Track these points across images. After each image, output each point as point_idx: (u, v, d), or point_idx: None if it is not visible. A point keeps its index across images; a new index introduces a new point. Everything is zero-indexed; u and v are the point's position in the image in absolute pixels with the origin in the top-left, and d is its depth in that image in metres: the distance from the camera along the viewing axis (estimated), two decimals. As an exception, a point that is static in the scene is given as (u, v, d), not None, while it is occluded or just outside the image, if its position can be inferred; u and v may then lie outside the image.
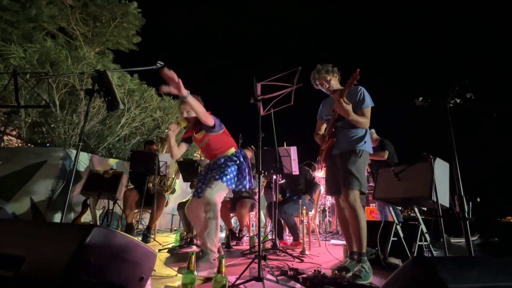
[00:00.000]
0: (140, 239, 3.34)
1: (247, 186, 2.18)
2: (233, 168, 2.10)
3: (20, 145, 4.57)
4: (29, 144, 4.46)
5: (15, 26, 5.30)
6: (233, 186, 2.08)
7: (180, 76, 1.74)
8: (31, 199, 3.66)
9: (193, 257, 1.23)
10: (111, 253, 0.96)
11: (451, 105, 1.48)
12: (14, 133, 4.58)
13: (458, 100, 1.50)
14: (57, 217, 3.66)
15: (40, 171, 3.79)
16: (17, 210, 3.63)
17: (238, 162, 2.15)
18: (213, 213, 1.91)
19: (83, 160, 4.10)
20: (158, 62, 2.16)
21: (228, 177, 2.03)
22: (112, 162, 4.49)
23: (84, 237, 0.87)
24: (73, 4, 6.11)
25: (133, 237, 1.08)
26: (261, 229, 3.74)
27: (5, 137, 4.39)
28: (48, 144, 4.48)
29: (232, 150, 2.21)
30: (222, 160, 2.17)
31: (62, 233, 0.91)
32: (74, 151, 4.05)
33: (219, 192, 1.98)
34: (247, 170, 2.19)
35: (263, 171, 3.16)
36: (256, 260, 1.56)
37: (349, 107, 1.86)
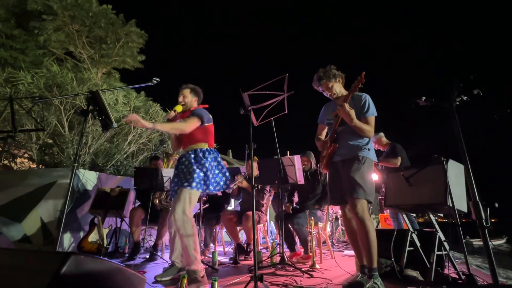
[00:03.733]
0: (148, 257, 3.29)
1: (212, 189, 2.12)
2: (201, 174, 2.06)
3: (31, 166, 4.70)
4: (40, 166, 4.57)
5: (25, 53, 5.57)
6: (202, 189, 2.05)
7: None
8: (41, 220, 3.71)
9: (185, 280, 1.16)
10: (91, 281, 0.90)
11: (457, 103, 1.37)
12: (26, 155, 4.72)
13: (465, 98, 1.39)
14: (66, 237, 3.69)
15: (50, 192, 3.85)
16: (28, 231, 3.68)
17: (212, 164, 2.13)
18: (186, 230, 1.90)
19: (91, 179, 4.14)
20: (154, 78, 2.18)
21: (197, 180, 2.02)
22: (120, 179, 4.52)
23: (60, 267, 0.82)
24: (79, 29, 6.39)
25: (117, 263, 1.02)
26: (270, 241, 3.62)
27: (18, 160, 4.52)
28: (58, 165, 4.58)
29: (203, 145, 2.19)
30: (192, 157, 2.12)
31: (37, 263, 0.86)
32: (83, 171, 4.11)
33: (188, 205, 1.96)
34: (215, 172, 2.16)
35: (256, 185, 3.09)
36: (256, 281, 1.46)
37: (352, 112, 1.79)
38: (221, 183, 2.18)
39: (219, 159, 2.24)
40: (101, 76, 6.38)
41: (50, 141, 4.60)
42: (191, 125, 2.09)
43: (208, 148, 2.21)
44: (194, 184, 1.98)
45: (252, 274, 2.31)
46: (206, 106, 2.38)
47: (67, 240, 3.69)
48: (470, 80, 1.36)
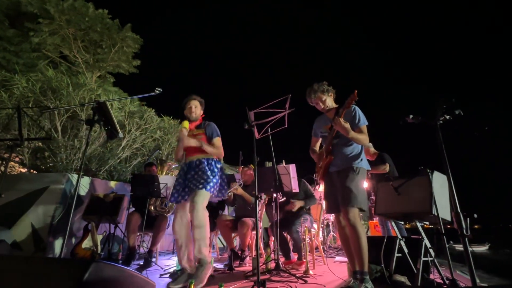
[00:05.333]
0: (142, 263, 3.29)
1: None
2: (215, 179, 2.30)
3: (22, 171, 4.61)
4: (31, 170, 4.50)
5: (19, 55, 5.49)
6: (214, 193, 2.29)
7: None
8: (32, 226, 3.64)
9: (192, 286, 1.22)
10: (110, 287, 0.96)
11: (441, 122, 1.51)
12: (17, 159, 4.63)
13: (448, 117, 1.53)
14: (57, 243, 3.63)
15: (41, 198, 3.79)
16: (18, 237, 3.60)
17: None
18: (205, 223, 2.14)
19: (84, 184, 4.10)
20: (157, 88, 2.24)
21: (212, 184, 2.24)
22: (113, 184, 4.49)
23: (82, 275, 0.88)
24: (75, 33, 6.36)
25: (130, 269, 1.09)
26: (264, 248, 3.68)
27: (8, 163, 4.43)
28: (51, 170, 4.51)
29: (212, 156, 2.40)
30: (205, 163, 2.32)
31: (60, 270, 0.91)
32: (76, 176, 4.07)
33: (204, 202, 2.18)
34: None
35: (259, 194, 3.16)
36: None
37: (347, 125, 1.91)
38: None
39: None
40: (95, 80, 6.34)
41: (42, 145, 4.53)
42: (221, 146, 2.39)
43: (215, 159, 2.39)
44: (208, 187, 2.20)
45: (250, 280, 2.38)
46: (203, 115, 2.57)
47: (59, 246, 3.64)
48: (452, 101, 1.51)
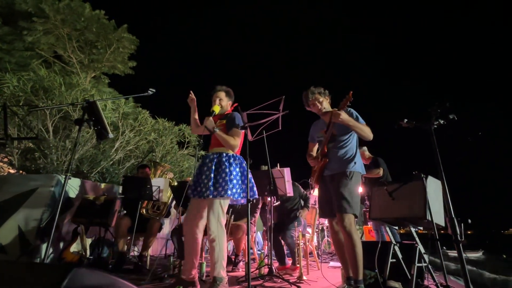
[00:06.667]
0: (132, 267, 3.21)
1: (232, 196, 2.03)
2: (224, 181, 2.02)
3: (11, 172, 4.49)
4: (21, 171, 4.39)
5: (11, 54, 5.40)
6: (233, 196, 2.01)
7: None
8: (19, 228, 3.54)
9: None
10: (91, 295, 0.91)
11: (435, 126, 1.51)
12: (5, 160, 4.52)
13: (442, 121, 1.53)
14: (45, 247, 3.53)
15: (30, 199, 3.69)
16: (4, 240, 3.49)
17: (236, 171, 2.10)
18: (220, 242, 1.98)
19: (75, 186, 4.01)
20: (150, 89, 2.21)
21: (224, 187, 1.99)
22: (104, 186, 4.41)
23: (61, 281, 0.83)
24: (70, 33, 6.30)
25: (116, 275, 1.04)
26: (258, 252, 3.63)
27: (-4, 165, 4.32)
28: (41, 171, 4.40)
29: (230, 150, 2.17)
30: (215, 160, 2.09)
31: (37, 276, 0.86)
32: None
33: (217, 211, 1.99)
34: (237, 179, 2.11)
35: (251, 199, 3.12)
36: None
37: (347, 116, 1.90)
38: (240, 191, 2.08)
39: (244, 165, 2.16)
40: (90, 80, 6.27)
41: (33, 146, 4.43)
42: (239, 140, 2.13)
43: (234, 154, 2.16)
44: (223, 193, 1.97)
45: (242, 286, 2.33)
46: (236, 104, 2.35)
47: (45, 250, 3.53)
48: (446, 106, 1.51)
